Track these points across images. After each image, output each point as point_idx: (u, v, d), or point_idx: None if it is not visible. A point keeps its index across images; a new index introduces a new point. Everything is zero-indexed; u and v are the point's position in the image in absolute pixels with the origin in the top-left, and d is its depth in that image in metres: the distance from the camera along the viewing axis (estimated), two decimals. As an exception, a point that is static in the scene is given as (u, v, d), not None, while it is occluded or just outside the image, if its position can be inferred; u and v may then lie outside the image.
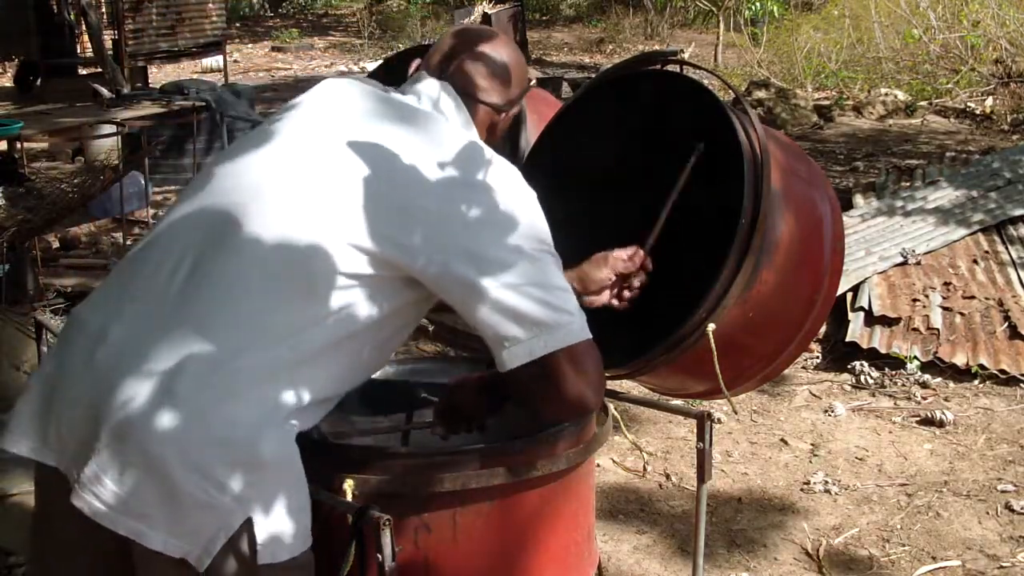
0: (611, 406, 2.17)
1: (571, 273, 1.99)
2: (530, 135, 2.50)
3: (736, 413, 4.32)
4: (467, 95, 1.90)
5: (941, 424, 4.23)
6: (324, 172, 1.70)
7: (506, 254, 1.66)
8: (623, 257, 2.09)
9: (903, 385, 4.60)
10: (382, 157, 1.70)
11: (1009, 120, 10.49)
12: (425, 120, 1.81)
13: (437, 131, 1.79)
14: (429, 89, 1.88)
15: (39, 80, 11.98)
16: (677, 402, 2.79)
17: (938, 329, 4.88)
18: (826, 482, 3.78)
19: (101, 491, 1.58)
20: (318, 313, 1.64)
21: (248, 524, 1.59)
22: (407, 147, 1.72)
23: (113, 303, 1.70)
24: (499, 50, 1.94)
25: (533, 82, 2.08)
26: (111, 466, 1.57)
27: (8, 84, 13.28)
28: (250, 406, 1.60)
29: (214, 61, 13.10)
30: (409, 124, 1.78)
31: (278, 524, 1.62)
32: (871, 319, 5.01)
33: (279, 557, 1.62)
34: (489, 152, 1.79)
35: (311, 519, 1.69)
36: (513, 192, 1.75)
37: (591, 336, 1.71)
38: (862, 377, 4.68)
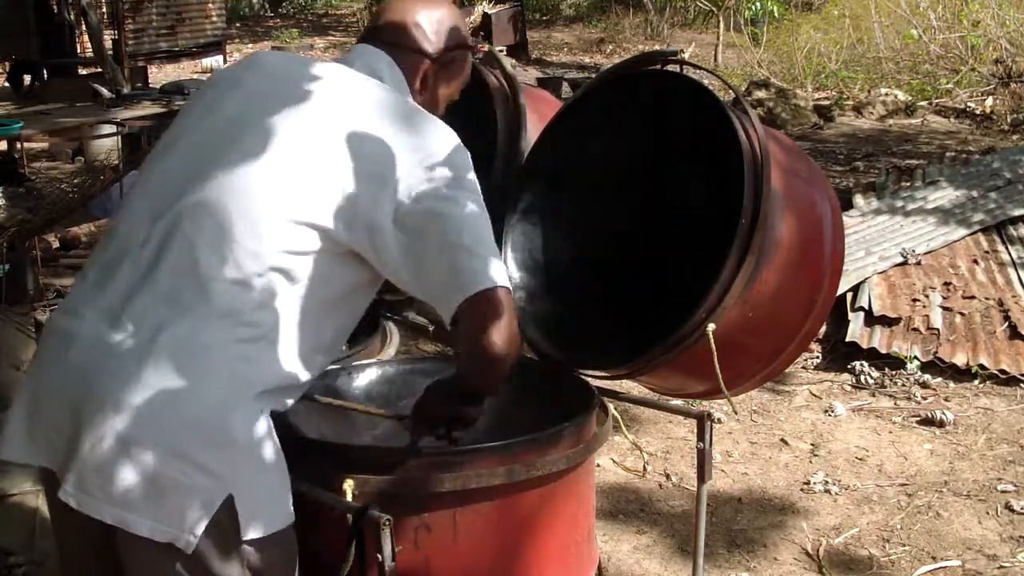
0: (611, 406, 2.17)
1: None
2: (530, 135, 2.50)
3: (736, 413, 4.32)
4: (396, 46, 1.92)
5: (941, 424, 4.23)
6: (266, 151, 1.72)
7: (433, 212, 1.68)
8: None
9: (903, 385, 4.60)
10: (320, 131, 1.73)
11: (1009, 120, 10.49)
12: (359, 87, 1.82)
13: (371, 98, 1.80)
14: (362, 55, 1.92)
15: (35, 80, 11.97)
16: (677, 402, 2.79)
17: (938, 329, 4.88)
18: (826, 482, 3.78)
19: (86, 483, 1.62)
20: (273, 292, 1.67)
21: (229, 501, 1.62)
22: (343, 118, 1.75)
23: (82, 301, 1.73)
24: (428, 4, 1.97)
25: (480, 47, 2.10)
26: (92, 458, 1.61)
27: (8, 84, 13.28)
28: (218, 386, 1.63)
29: (214, 61, 13.10)
30: (344, 93, 1.80)
31: (258, 500, 1.66)
32: (871, 319, 5.01)
33: (261, 532, 1.66)
34: (420, 112, 1.81)
35: (292, 500, 1.73)
36: (444, 149, 1.76)
37: (509, 286, 1.70)
38: (862, 377, 4.68)
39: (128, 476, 1.60)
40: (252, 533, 1.65)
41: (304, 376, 1.77)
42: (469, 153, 1.80)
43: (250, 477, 1.65)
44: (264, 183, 1.70)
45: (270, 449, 1.69)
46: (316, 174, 1.71)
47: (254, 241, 1.67)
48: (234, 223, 1.68)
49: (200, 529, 1.61)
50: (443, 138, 1.79)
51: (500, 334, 1.66)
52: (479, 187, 1.77)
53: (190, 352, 1.63)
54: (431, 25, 1.95)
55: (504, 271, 1.71)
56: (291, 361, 1.72)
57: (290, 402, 1.79)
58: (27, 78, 11.97)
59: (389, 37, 1.93)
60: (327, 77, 1.82)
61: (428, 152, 1.74)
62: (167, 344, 1.62)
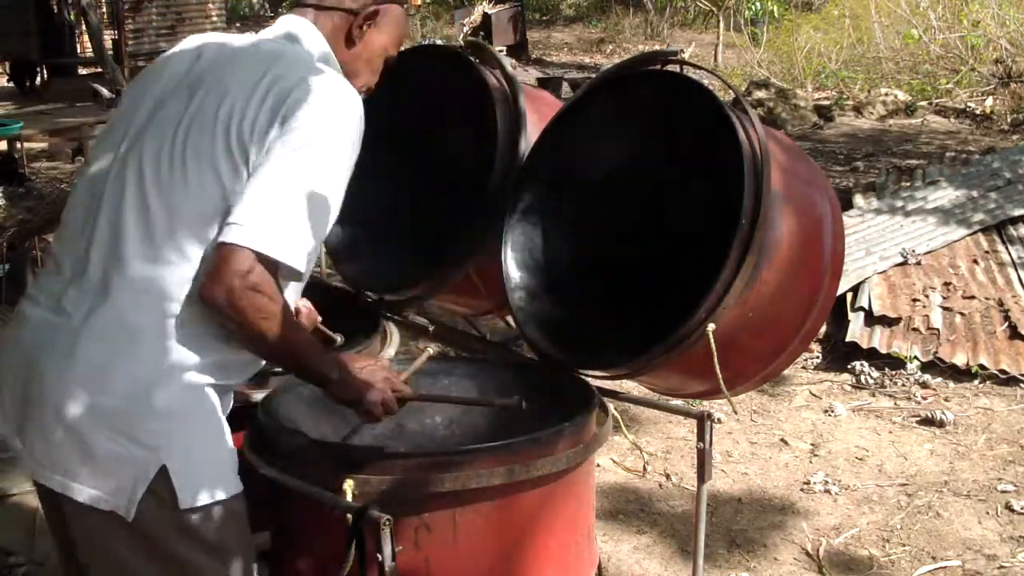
0: (611, 406, 2.17)
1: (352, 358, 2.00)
2: (530, 135, 2.50)
3: (736, 413, 4.32)
4: (319, 7, 1.94)
5: (941, 424, 4.23)
6: (174, 138, 1.76)
7: (279, 165, 1.69)
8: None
9: (903, 385, 4.60)
10: (230, 101, 1.75)
11: (1009, 120, 10.50)
12: (273, 53, 1.84)
13: (280, 61, 1.81)
14: (282, 22, 1.95)
15: (37, 80, 11.98)
16: (677, 402, 2.78)
17: (938, 329, 4.88)
18: (826, 482, 3.78)
19: (36, 453, 1.74)
20: (193, 272, 1.71)
21: (163, 472, 1.69)
22: (251, 83, 1.76)
23: (39, 287, 1.84)
24: None
25: (411, 8, 2.11)
26: (39, 430, 1.73)
27: (8, 84, 13.29)
28: (148, 363, 1.70)
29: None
30: (261, 60, 1.82)
31: (194, 470, 1.72)
32: (871, 319, 5.01)
33: (199, 501, 1.72)
34: (326, 76, 1.80)
35: (236, 468, 1.80)
36: (329, 113, 1.75)
37: (277, 259, 1.68)
38: (862, 377, 4.68)
39: (68, 447, 1.70)
40: (190, 502, 1.71)
41: (239, 353, 1.78)
42: (357, 125, 1.79)
43: (185, 449, 1.71)
44: (173, 168, 1.74)
45: (207, 422, 1.76)
46: (216, 154, 1.73)
47: (172, 223, 1.72)
48: (152, 210, 1.73)
49: (138, 497, 1.69)
50: (331, 106, 1.76)
51: (219, 287, 1.65)
52: (345, 161, 1.76)
53: (119, 332, 1.70)
54: None
55: (288, 248, 1.67)
56: (221, 339, 1.74)
57: (236, 379, 1.82)
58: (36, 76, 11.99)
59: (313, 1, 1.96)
60: (237, 53, 1.85)
61: (312, 119, 1.73)
62: (98, 326, 1.71)
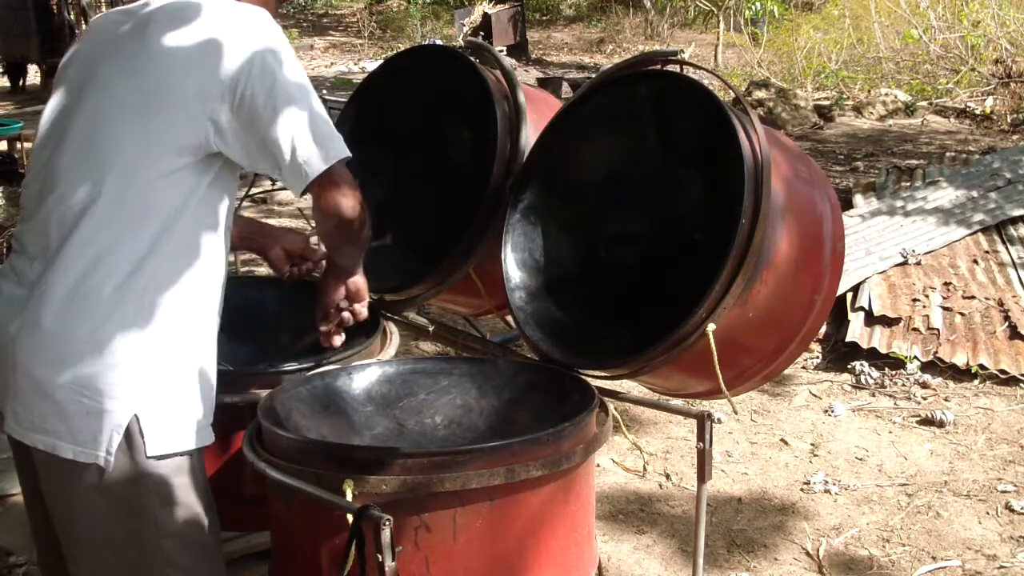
0: (611, 406, 2.17)
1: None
2: (530, 135, 2.50)
3: (736, 413, 4.32)
4: None
5: (941, 424, 4.23)
6: (107, 103, 1.86)
7: (272, 92, 1.81)
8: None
9: (903, 385, 4.60)
10: (145, 64, 1.84)
11: (1009, 120, 10.50)
12: (190, 9, 1.90)
13: (178, 17, 1.88)
14: None
15: (22, 79, 11.99)
16: (677, 402, 2.78)
17: (938, 329, 4.88)
18: (826, 482, 3.78)
19: (18, 415, 1.84)
20: (142, 226, 1.81)
21: (135, 420, 1.80)
22: (174, 38, 1.85)
23: (10, 263, 1.93)
24: None
25: None
26: (17, 394, 1.83)
27: (7, 84, 13.29)
28: (108, 320, 1.79)
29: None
30: (156, 25, 1.89)
31: (163, 420, 1.83)
32: (871, 319, 5.01)
33: (167, 449, 1.83)
34: (232, 6, 1.90)
35: (209, 422, 1.91)
36: (263, 35, 1.86)
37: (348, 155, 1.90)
38: (862, 377, 4.68)
39: (46, 410, 1.80)
40: (157, 450, 1.82)
41: (200, 302, 1.88)
42: (283, 34, 1.92)
43: (154, 398, 1.82)
44: (101, 131, 1.84)
45: (175, 373, 1.85)
46: (154, 107, 1.82)
47: (121, 185, 1.81)
48: (101, 173, 1.81)
49: (114, 447, 1.79)
50: (260, 27, 1.88)
51: (345, 201, 1.93)
52: (292, 64, 1.88)
53: (77, 297, 1.79)
54: None
55: (341, 144, 1.89)
56: (183, 293, 1.85)
57: (201, 329, 1.90)
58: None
59: None
60: (135, 22, 1.91)
61: (249, 44, 1.84)
62: (58, 293, 1.80)
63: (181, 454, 1.86)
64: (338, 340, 2.27)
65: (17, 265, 1.90)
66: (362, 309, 2.23)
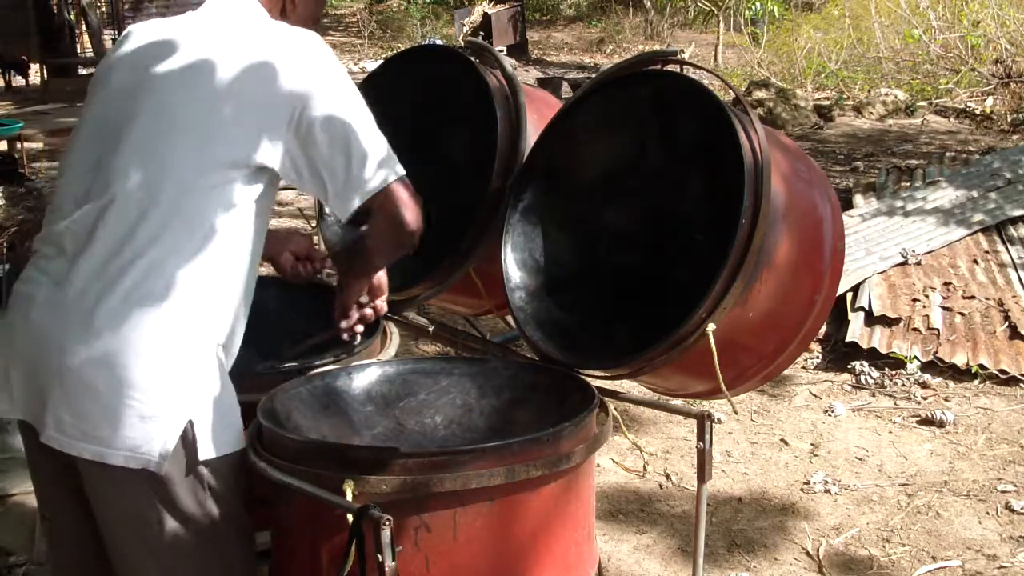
0: (611, 406, 2.17)
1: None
2: (530, 135, 2.50)
3: (736, 413, 4.32)
4: None
5: (941, 424, 4.23)
6: (164, 101, 1.88)
7: (331, 114, 1.86)
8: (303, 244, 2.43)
9: (903, 385, 4.60)
10: (208, 73, 1.87)
11: (1009, 120, 10.50)
12: (232, 24, 1.95)
13: (243, 29, 1.94)
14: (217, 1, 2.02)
15: (9, 77, 12.00)
16: (677, 402, 2.78)
17: (938, 329, 4.88)
18: (826, 482, 3.78)
19: (63, 424, 1.82)
20: (192, 235, 1.84)
21: (190, 426, 1.83)
22: (225, 53, 1.88)
23: (40, 269, 1.92)
24: None
25: None
26: (63, 402, 1.81)
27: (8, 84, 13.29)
28: (162, 327, 1.81)
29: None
30: (221, 33, 1.93)
31: (212, 424, 1.86)
32: (871, 319, 5.01)
33: (214, 453, 1.87)
34: (287, 26, 1.95)
35: (242, 424, 1.95)
36: (319, 57, 1.91)
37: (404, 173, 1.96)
38: (862, 377, 4.68)
39: (96, 413, 1.80)
40: (207, 454, 1.85)
41: (240, 310, 1.93)
42: (332, 54, 1.95)
43: (206, 403, 1.85)
44: (160, 140, 1.85)
45: (221, 379, 1.89)
46: (208, 115, 1.85)
47: (177, 199, 1.83)
48: (143, 183, 1.83)
49: (168, 452, 1.81)
50: (316, 50, 1.91)
51: (411, 217, 1.97)
52: (346, 85, 1.92)
53: (129, 302, 1.80)
54: None
55: (397, 163, 1.94)
56: (222, 299, 1.89)
57: (234, 337, 1.95)
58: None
59: None
60: (188, 35, 1.94)
61: (308, 67, 1.88)
62: (111, 302, 1.80)
63: (227, 455, 1.90)
64: (358, 337, 2.31)
65: (52, 268, 1.89)
66: (383, 304, 2.27)
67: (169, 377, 1.81)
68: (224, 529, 1.92)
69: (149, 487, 1.83)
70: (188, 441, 1.83)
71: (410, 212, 1.96)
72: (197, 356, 1.85)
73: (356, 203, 1.91)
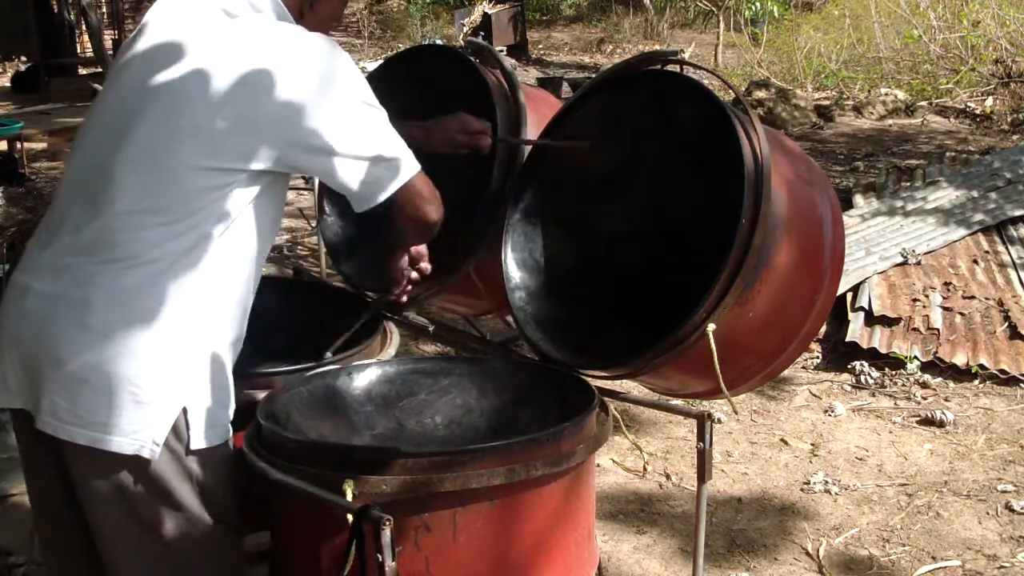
0: (611, 406, 2.17)
1: (421, 123, 2.43)
2: (530, 135, 2.50)
3: (736, 413, 4.32)
4: None
5: (941, 424, 4.23)
6: (169, 102, 1.88)
7: (339, 123, 1.88)
8: (474, 120, 2.45)
9: (903, 385, 4.60)
10: (214, 77, 1.86)
11: (1009, 120, 10.50)
12: (242, 27, 1.95)
13: (253, 33, 1.93)
14: None
15: (37, 83, 12.00)
16: (677, 402, 2.78)
17: (938, 329, 4.88)
18: (826, 482, 3.78)
19: (58, 411, 1.84)
20: (190, 234, 1.85)
21: (183, 414, 1.86)
22: (233, 58, 1.88)
23: (35, 258, 1.93)
24: None
25: None
26: (59, 389, 1.84)
27: (8, 84, 13.29)
28: (159, 319, 1.83)
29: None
30: (232, 36, 1.93)
31: (203, 414, 1.89)
32: (871, 319, 5.01)
33: (205, 443, 1.90)
34: (299, 32, 1.95)
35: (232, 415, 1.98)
36: (328, 62, 1.90)
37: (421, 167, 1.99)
38: (862, 377, 4.68)
39: (92, 399, 1.82)
40: (198, 444, 1.89)
41: (238, 304, 1.95)
42: (347, 55, 1.95)
43: (198, 393, 1.88)
44: (163, 140, 1.86)
45: (214, 371, 1.91)
46: (213, 119, 1.84)
47: (162, 192, 1.85)
48: (142, 178, 1.85)
49: (162, 438, 1.84)
50: (330, 54, 1.91)
51: (432, 212, 2.05)
52: (362, 83, 1.94)
53: (128, 299, 1.83)
54: None
55: (413, 158, 1.97)
56: (217, 298, 1.91)
57: (234, 328, 1.96)
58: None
59: None
60: (199, 34, 1.93)
61: (322, 72, 1.88)
62: (105, 293, 1.83)
63: (218, 446, 1.93)
64: (406, 298, 2.35)
65: (49, 259, 1.90)
66: (427, 266, 2.28)
67: (164, 367, 1.84)
68: (211, 521, 1.94)
69: (140, 474, 1.86)
70: (180, 429, 1.86)
71: (430, 205, 2.02)
72: (193, 349, 1.88)
73: (377, 201, 1.96)
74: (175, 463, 1.88)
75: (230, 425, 1.97)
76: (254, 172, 1.88)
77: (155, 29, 2.00)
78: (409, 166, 1.96)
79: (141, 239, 1.83)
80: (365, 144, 1.90)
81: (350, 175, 1.92)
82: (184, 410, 1.86)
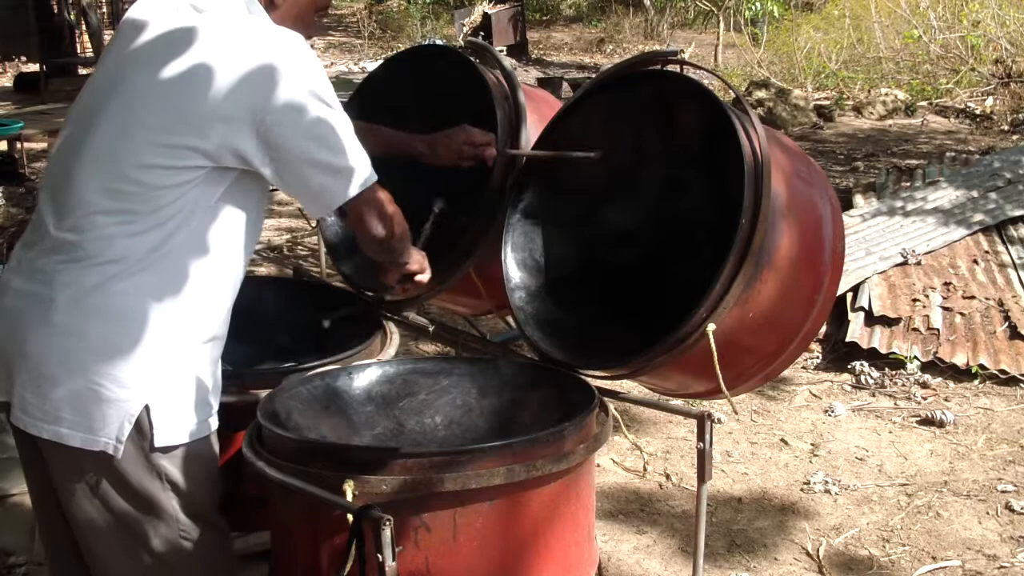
0: (611, 406, 2.17)
1: (425, 138, 2.48)
2: (530, 135, 2.50)
3: (736, 413, 4.32)
4: None
5: (941, 424, 4.23)
6: (126, 102, 1.89)
7: (289, 121, 1.83)
8: (478, 132, 2.45)
9: (903, 385, 4.60)
10: (166, 73, 1.86)
11: (1009, 120, 10.50)
12: (203, 22, 1.91)
13: (210, 28, 1.89)
14: None
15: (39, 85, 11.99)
16: (677, 402, 2.78)
17: (938, 329, 4.88)
18: (826, 482, 3.78)
19: (26, 406, 1.87)
20: (159, 227, 1.85)
21: (146, 411, 1.85)
22: (185, 54, 1.86)
23: (17, 257, 1.97)
24: None
25: None
26: (27, 384, 1.87)
27: (8, 84, 13.28)
28: (124, 317, 1.84)
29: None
30: (189, 32, 1.90)
31: (171, 412, 1.88)
32: (871, 319, 5.01)
33: (174, 441, 1.89)
34: (260, 26, 1.92)
35: (214, 412, 1.97)
36: (284, 58, 1.85)
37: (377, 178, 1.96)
38: (862, 377, 4.68)
39: (57, 396, 1.84)
40: (164, 441, 1.88)
41: (211, 301, 1.93)
42: (316, 58, 1.93)
43: (165, 391, 1.87)
44: (120, 139, 1.86)
45: (184, 367, 1.90)
46: (164, 116, 1.84)
47: (128, 188, 1.84)
48: (115, 178, 1.85)
49: (124, 436, 1.84)
50: (291, 52, 1.86)
51: (378, 226, 2.00)
52: (321, 81, 1.89)
53: (89, 298, 1.84)
54: None
55: (369, 168, 1.93)
56: (190, 288, 1.89)
57: (209, 327, 1.94)
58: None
59: None
60: (172, 24, 1.92)
61: (279, 70, 1.84)
62: (68, 293, 1.84)
63: (187, 444, 1.91)
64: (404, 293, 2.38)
65: (28, 257, 1.93)
66: (423, 279, 2.25)
67: (126, 364, 1.83)
68: (187, 519, 1.94)
69: (107, 471, 1.87)
70: (143, 426, 1.85)
71: (377, 221, 1.97)
72: (157, 347, 1.85)
73: (328, 211, 1.96)
74: (142, 460, 1.88)
75: (209, 423, 1.95)
76: (213, 169, 1.85)
77: (126, 30, 2.00)
78: (363, 176, 1.91)
79: (103, 238, 1.84)
80: (317, 146, 1.85)
81: (299, 179, 1.88)
82: (147, 407, 1.85)
